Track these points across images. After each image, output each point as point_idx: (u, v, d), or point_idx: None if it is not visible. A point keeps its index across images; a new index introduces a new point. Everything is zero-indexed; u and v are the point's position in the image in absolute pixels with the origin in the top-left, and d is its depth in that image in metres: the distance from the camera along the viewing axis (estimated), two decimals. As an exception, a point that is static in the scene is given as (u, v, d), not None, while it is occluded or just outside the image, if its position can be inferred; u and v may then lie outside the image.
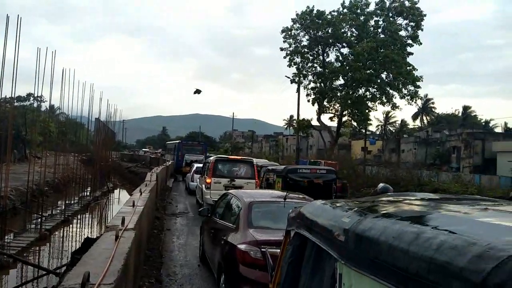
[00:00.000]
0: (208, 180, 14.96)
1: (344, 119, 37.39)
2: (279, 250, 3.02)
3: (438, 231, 1.36)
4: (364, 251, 1.60)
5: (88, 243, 5.80)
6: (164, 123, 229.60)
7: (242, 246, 5.75)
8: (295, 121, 41.15)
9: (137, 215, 6.35)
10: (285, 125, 73.50)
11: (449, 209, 1.78)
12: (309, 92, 37.43)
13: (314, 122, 38.10)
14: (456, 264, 1.16)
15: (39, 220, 16.03)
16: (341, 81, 36.79)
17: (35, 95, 35.98)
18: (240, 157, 18.57)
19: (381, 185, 9.01)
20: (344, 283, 1.77)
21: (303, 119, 36.91)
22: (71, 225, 17.81)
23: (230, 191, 8.47)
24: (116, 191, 31.24)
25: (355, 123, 37.54)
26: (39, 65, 16.98)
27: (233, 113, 68.89)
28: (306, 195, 7.60)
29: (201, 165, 19.91)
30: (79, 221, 19.35)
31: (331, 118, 38.10)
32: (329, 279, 1.92)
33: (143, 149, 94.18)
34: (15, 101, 24.63)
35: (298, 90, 35.45)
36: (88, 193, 26.22)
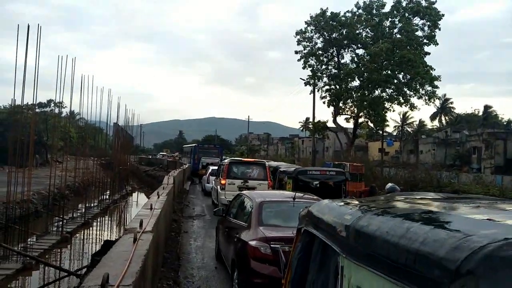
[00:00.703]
0: (222, 182, 15.30)
1: (360, 120, 36.78)
2: (287, 248, 3.24)
3: (425, 226, 1.49)
4: (362, 245, 1.72)
5: (108, 245, 5.85)
6: (180, 127, 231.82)
7: (253, 243, 6.03)
8: (310, 123, 41.01)
9: (154, 218, 6.39)
10: (300, 127, 73.16)
11: (443, 206, 1.88)
12: (324, 94, 37.10)
13: (330, 124, 37.70)
14: (437, 254, 1.29)
15: (60, 223, 16.22)
16: (356, 82, 36.27)
17: (56, 101, 36.72)
18: (253, 160, 18.82)
19: (389, 185, 9.19)
20: (345, 275, 1.90)
21: (319, 121, 36.41)
22: (91, 228, 17.96)
23: (243, 192, 8.78)
24: (135, 194, 31.36)
25: (371, 124, 36.75)
26: (61, 72, 17.39)
27: (248, 116, 69.17)
28: (316, 196, 7.75)
29: (216, 167, 20.20)
30: (98, 224, 19.25)
31: (347, 120, 37.72)
32: (333, 272, 2.05)
33: (161, 153, 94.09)
34: (36, 107, 25.19)
35: (313, 92, 35.07)
36: (107, 197, 26.31)
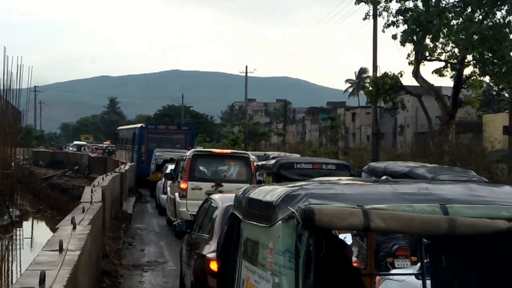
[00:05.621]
0: (183, 186, 13.79)
1: (466, 71, 24.31)
2: None
3: (278, 188, 2.72)
4: (249, 207, 2.96)
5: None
6: (112, 91, 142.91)
7: (211, 255, 5.94)
8: (368, 80, 32.76)
9: (68, 269, 4.87)
10: (349, 87, 56.23)
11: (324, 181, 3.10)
12: (394, 19, 24.41)
13: (407, 80, 25.65)
14: (271, 201, 2.54)
15: None
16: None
17: None
18: (230, 151, 17.17)
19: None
20: (242, 234, 3.11)
21: (385, 74, 24.70)
22: None
23: (212, 195, 8.23)
24: (27, 224, 23.42)
25: (487, 79, 24.47)
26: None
27: (246, 67, 43.78)
28: None
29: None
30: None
31: (440, 73, 24.87)
32: (238, 236, 3.23)
33: (76, 142, 65.33)
34: None
35: (374, 16, 23.66)
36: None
